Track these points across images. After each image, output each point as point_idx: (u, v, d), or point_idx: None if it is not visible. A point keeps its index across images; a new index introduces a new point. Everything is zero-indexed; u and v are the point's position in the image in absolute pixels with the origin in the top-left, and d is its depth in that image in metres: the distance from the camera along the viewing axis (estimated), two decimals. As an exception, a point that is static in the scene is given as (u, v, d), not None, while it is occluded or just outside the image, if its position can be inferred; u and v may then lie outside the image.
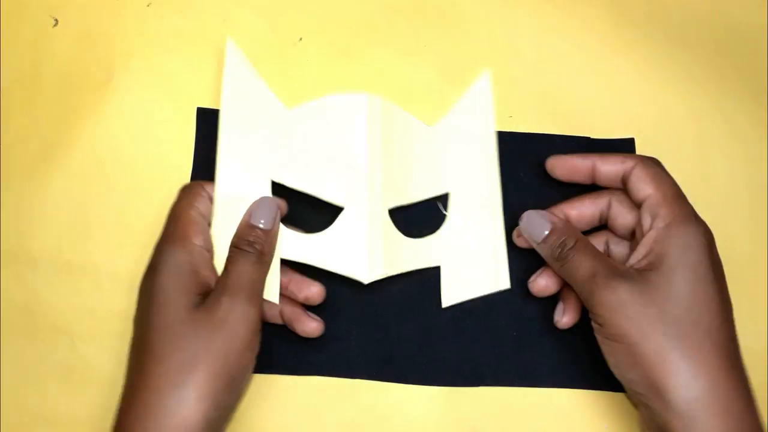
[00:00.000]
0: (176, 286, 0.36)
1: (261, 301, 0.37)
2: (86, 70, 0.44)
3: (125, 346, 0.40)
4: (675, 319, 0.34)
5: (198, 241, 0.37)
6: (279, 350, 0.40)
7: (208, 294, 0.36)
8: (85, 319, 0.41)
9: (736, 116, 0.44)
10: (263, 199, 0.39)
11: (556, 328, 0.40)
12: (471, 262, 0.42)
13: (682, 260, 0.35)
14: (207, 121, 0.43)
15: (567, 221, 0.39)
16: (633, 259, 0.36)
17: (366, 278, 0.39)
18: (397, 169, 0.41)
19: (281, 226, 0.39)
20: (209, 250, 0.38)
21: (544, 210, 0.39)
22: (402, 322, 0.41)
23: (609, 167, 0.39)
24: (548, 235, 0.38)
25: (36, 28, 0.45)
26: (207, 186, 0.39)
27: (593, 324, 0.36)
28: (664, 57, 0.45)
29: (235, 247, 0.37)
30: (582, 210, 0.40)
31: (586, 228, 0.40)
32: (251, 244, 0.37)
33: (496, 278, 0.41)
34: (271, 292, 0.38)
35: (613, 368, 0.36)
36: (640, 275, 0.35)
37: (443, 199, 0.42)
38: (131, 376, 0.35)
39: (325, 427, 0.40)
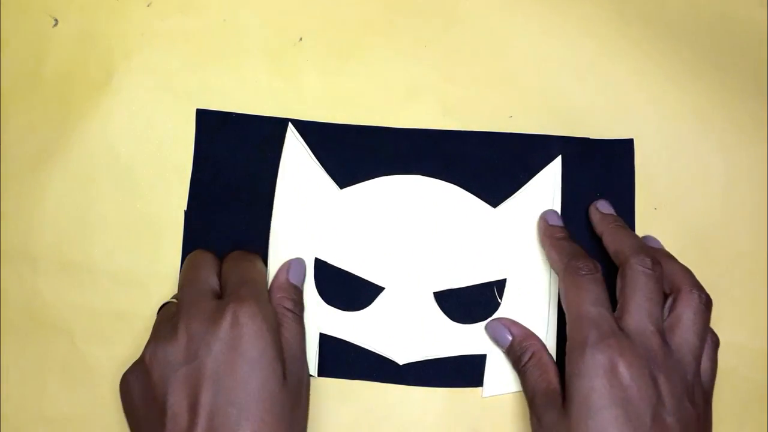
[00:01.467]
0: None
1: None
2: (86, 70, 0.44)
3: (125, 345, 0.40)
4: None
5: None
6: None
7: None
8: (85, 319, 0.41)
9: (736, 116, 0.44)
10: (298, 260, 0.40)
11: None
12: None
13: (578, 391, 0.34)
14: (206, 122, 0.43)
15: (527, 333, 0.40)
16: None
17: (401, 359, 0.40)
18: (450, 251, 0.42)
19: (323, 303, 0.41)
20: None
21: (506, 317, 0.41)
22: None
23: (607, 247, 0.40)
24: (509, 347, 0.40)
25: (36, 28, 0.45)
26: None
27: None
28: (665, 56, 0.45)
29: (284, 307, 0.38)
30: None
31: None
32: (296, 305, 0.39)
33: None
34: (310, 363, 0.40)
35: None
36: (565, 399, 0.35)
37: (500, 284, 0.42)
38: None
39: (325, 427, 0.40)
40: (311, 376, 0.40)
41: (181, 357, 0.34)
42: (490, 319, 0.41)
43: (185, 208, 0.42)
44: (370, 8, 0.45)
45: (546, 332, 0.41)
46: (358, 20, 0.45)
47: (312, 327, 0.41)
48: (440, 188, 0.42)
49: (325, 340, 0.41)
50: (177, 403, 0.33)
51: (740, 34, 0.45)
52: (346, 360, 0.41)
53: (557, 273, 0.39)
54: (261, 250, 0.41)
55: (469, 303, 0.41)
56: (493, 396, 0.40)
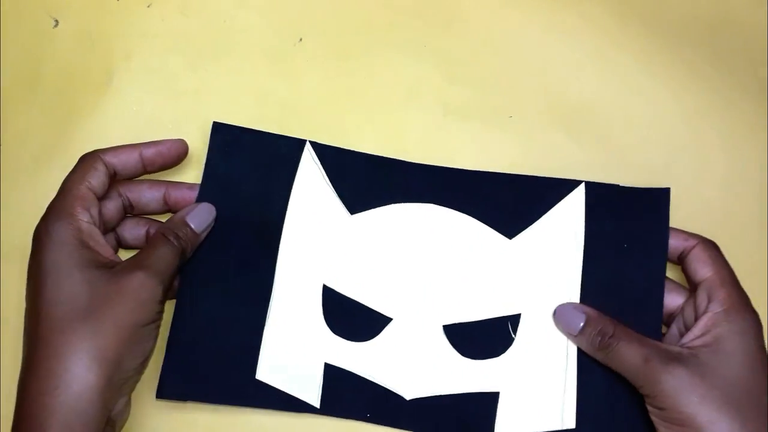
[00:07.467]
0: (69, 261, 0.36)
1: (168, 290, 0.37)
2: (86, 71, 0.44)
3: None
4: (738, 403, 0.34)
5: (84, 216, 0.37)
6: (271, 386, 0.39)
7: (105, 268, 0.36)
8: (85, 319, 0.41)
9: (736, 116, 0.44)
10: (204, 205, 0.40)
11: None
12: (535, 394, 0.38)
13: (741, 346, 0.36)
14: (221, 136, 0.41)
15: (600, 312, 0.38)
16: (686, 339, 0.37)
17: (408, 394, 0.39)
18: (462, 283, 0.40)
19: (329, 332, 0.39)
20: (98, 225, 0.38)
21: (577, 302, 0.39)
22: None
23: (672, 241, 0.39)
24: (584, 327, 0.38)
25: (36, 28, 0.45)
26: (106, 156, 0.39)
27: (650, 408, 0.36)
28: (665, 57, 0.45)
29: (163, 235, 0.38)
30: None
31: None
32: (179, 239, 0.38)
33: (561, 415, 0.38)
34: (312, 395, 0.39)
35: None
36: (692, 356, 0.36)
37: (514, 319, 0.39)
38: (31, 347, 0.36)
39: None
40: (315, 408, 0.38)
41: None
42: (559, 305, 0.39)
43: None
44: (370, 8, 0.45)
45: (566, 368, 0.38)
46: (358, 20, 0.45)
47: (317, 357, 0.39)
48: (453, 218, 0.40)
49: (330, 371, 0.39)
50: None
51: (740, 34, 0.45)
52: (351, 392, 0.39)
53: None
54: (267, 273, 0.40)
55: (481, 338, 0.39)
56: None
